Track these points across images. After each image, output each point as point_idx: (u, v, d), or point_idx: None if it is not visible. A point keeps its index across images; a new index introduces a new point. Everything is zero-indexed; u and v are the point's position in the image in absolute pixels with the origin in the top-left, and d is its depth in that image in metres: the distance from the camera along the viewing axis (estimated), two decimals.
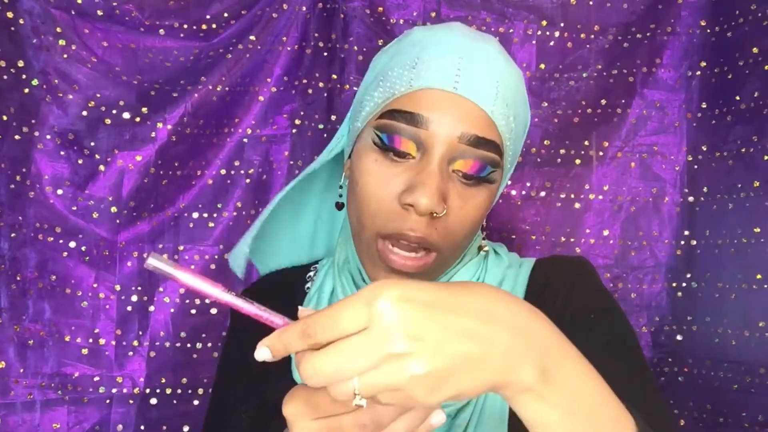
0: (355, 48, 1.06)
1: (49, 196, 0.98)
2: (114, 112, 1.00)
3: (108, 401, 0.99)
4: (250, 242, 0.73)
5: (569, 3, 1.08)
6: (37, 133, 0.97)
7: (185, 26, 1.02)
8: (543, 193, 1.08)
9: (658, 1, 1.07)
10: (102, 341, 1.00)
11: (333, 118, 1.07)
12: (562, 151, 1.08)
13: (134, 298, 1.01)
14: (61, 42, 0.97)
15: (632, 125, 1.08)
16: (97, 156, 1.00)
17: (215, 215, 1.04)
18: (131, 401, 1.00)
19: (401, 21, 1.07)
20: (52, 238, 0.98)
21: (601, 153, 1.08)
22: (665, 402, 1.02)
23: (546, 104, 1.08)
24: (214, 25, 1.03)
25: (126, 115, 1.00)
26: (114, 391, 1.00)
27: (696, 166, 1.06)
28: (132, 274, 1.01)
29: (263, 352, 0.40)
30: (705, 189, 1.05)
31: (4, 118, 0.95)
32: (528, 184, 1.08)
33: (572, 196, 1.08)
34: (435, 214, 0.59)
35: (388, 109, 0.61)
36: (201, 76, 1.02)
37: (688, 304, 1.04)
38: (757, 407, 0.96)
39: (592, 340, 0.50)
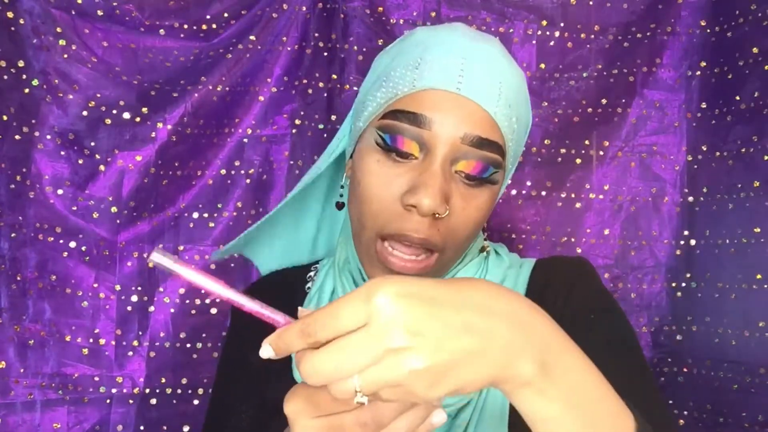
0: (355, 48, 1.06)
1: (49, 196, 0.98)
2: (114, 112, 1.00)
3: (108, 401, 0.99)
4: (242, 243, 0.73)
5: (569, 3, 1.08)
6: (37, 133, 0.97)
7: (185, 26, 1.02)
8: (543, 193, 1.08)
9: (658, 1, 1.07)
10: (102, 341, 1.00)
11: (333, 118, 1.07)
12: (563, 151, 1.08)
13: (134, 298, 1.01)
14: (62, 42, 0.97)
15: (632, 125, 1.08)
16: (97, 156, 1.00)
17: (215, 215, 1.04)
18: (131, 401, 1.00)
19: (401, 21, 1.07)
20: (52, 238, 0.98)
21: (601, 153, 1.08)
22: (665, 402, 1.02)
23: (546, 104, 1.08)
24: (214, 25, 1.03)
25: (126, 115, 1.00)
26: (114, 391, 1.00)
27: (696, 166, 1.06)
28: (132, 274, 1.01)
29: (266, 350, 0.40)
30: (705, 189, 1.05)
31: (5, 118, 0.95)
32: (528, 184, 1.08)
33: (572, 195, 1.08)
34: (438, 215, 0.59)
35: (390, 109, 0.61)
36: (201, 76, 1.02)
37: (688, 304, 1.04)
38: (757, 407, 0.96)
39: (592, 340, 0.50)
